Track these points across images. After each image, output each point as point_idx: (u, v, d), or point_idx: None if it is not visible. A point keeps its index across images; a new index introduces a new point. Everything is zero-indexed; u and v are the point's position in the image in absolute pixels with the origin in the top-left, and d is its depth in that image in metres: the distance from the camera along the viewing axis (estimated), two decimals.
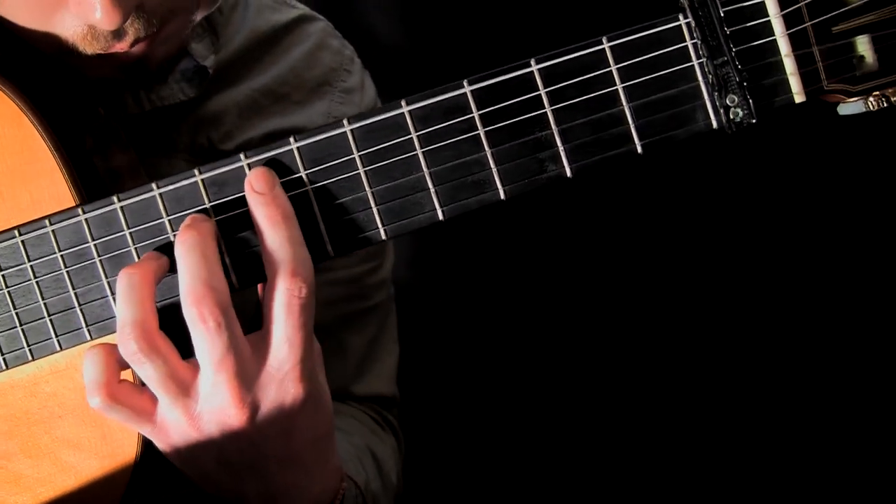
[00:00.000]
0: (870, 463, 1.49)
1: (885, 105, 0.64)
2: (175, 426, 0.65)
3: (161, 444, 0.68)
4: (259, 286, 0.67)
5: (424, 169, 0.65)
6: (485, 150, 0.65)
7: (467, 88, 0.64)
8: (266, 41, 0.95)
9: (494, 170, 0.65)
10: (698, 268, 1.50)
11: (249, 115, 0.92)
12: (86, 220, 0.68)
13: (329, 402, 0.69)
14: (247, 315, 0.67)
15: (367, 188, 0.66)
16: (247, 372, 0.64)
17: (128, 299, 0.63)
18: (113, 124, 0.80)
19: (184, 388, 0.64)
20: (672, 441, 1.54)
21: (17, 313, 0.71)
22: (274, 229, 0.64)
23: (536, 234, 1.50)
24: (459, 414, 1.56)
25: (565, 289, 1.53)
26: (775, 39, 0.63)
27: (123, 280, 0.64)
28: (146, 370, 0.63)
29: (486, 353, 1.56)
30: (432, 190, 0.66)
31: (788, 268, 1.49)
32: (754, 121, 0.63)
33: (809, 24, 0.63)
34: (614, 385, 1.55)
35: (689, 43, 0.63)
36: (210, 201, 0.67)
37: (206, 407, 0.64)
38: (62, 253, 0.69)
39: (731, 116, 0.63)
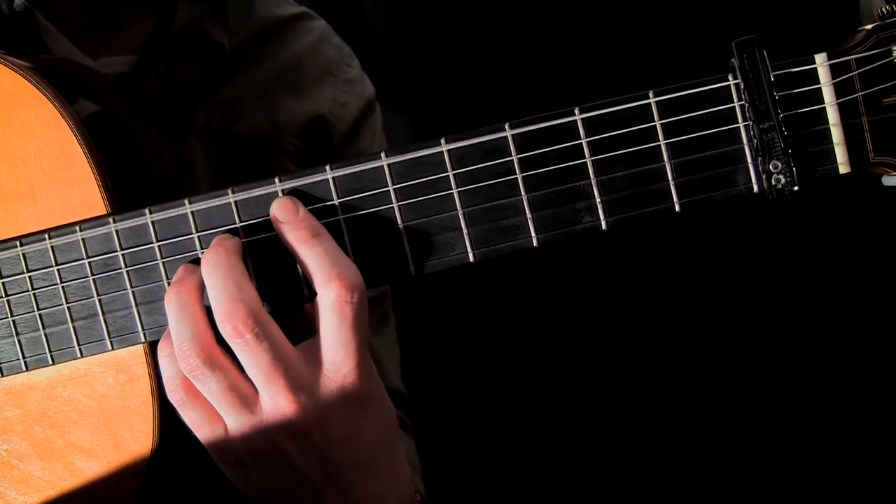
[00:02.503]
0: (870, 463, 1.47)
1: None
2: (242, 442, 0.65)
3: (230, 462, 0.67)
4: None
5: (458, 208, 0.65)
6: (521, 194, 0.64)
7: (508, 132, 0.64)
8: (271, 31, 1.00)
9: (529, 216, 0.64)
10: (697, 273, 1.49)
11: (261, 100, 0.95)
12: (116, 229, 0.68)
13: (390, 402, 0.69)
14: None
15: (399, 223, 0.66)
16: (302, 379, 0.63)
17: (181, 316, 0.63)
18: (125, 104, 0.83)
19: (247, 403, 0.63)
20: (670, 441, 1.53)
21: (40, 315, 0.71)
22: (307, 247, 0.64)
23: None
24: (456, 416, 1.55)
25: (565, 288, 1.52)
26: (824, 108, 0.62)
27: (173, 299, 0.64)
28: (209, 384, 0.63)
29: (484, 355, 1.55)
30: (465, 231, 0.65)
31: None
32: (796, 188, 0.62)
33: (861, 94, 0.62)
34: (614, 384, 1.53)
35: (736, 104, 0.62)
36: (241, 221, 0.67)
37: (270, 419, 0.63)
38: (90, 260, 0.69)
39: (774, 183, 0.62)
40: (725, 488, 1.51)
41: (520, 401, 1.54)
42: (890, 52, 0.62)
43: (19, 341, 0.72)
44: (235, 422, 0.64)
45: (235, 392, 0.63)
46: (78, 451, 0.72)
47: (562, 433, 1.55)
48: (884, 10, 0.63)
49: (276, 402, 0.63)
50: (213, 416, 0.65)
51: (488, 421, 1.55)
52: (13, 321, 0.71)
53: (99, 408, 0.72)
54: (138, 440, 0.71)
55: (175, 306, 0.64)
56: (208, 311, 0.64)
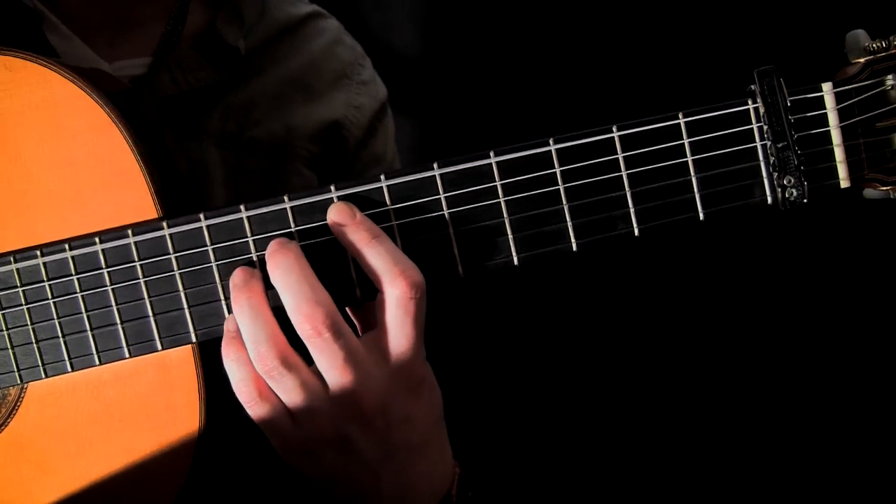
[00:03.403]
0: (870, 463, 1.55)
1: None
2: (311, 433, 0.68)
3: (296, 452, 0.70)
4: None
5: (505, 216, 0.70)
6: (562, 204, 0.70)
7: (552, 146, 0.70)
8: (285, 31, 1.01)
9: (570, 223, 0.70)
10: (702, 281, 1.56)
11: (276, 104, 0.97)
12: (169, 234, 0.71)
13: (438, 386, 0.73)
14: None
15: (449, 228, 0.70)
16: (369, 370, 0.67)
17: (255, 320, 0.67)
18: (149, 106, 0.84)
19: (318, 397, 0.67)
20: (674, 438, 1.59)
21: (88, 316, 0.72)
22: (368, 248, 0.68)
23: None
24: (465, 409, 1.57)
25: (570, 286, 1.56)
26: (829, 130, 0.70)
27: (244, 303, 0.67)
28: (285, 382, 0.67)
29: (493, 351, 1.58)
30: (510, 236, 0.71)
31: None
32: (806, 201, 0.70)
33: (859, 118, 0.71)
34: (620, 384, 1.58)
35: (754, 126, 0.70)
36: (296, 225, 0.71)
37: (339, 410, 0.67)
38: (141, 263, 0.71)
39: (787, 195, 0.70)
40: (728, 489, 1.58)
41: (528, 397, 1.56)
42: (882, 83, 0.71)
43: (65, 342, 0.73)
44: (306, 415, 0.68)
45: (307, 387, 0.67)
46: (122, 451, 0.74)
47: (568, 427, 1.57)
48: (873, 46, 0.72)
49: (345, 394, 0.67)
50: (283, 412, 0.68)
51: (497, 414, 1.57)
52: (59, 323, 0.73)
53: (143, 407, 0.74)
54: (183, 439, 0.73)
55: (248, 311, 0.67)
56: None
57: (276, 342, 0.66)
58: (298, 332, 0.66)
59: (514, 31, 1.49)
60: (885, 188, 0.73)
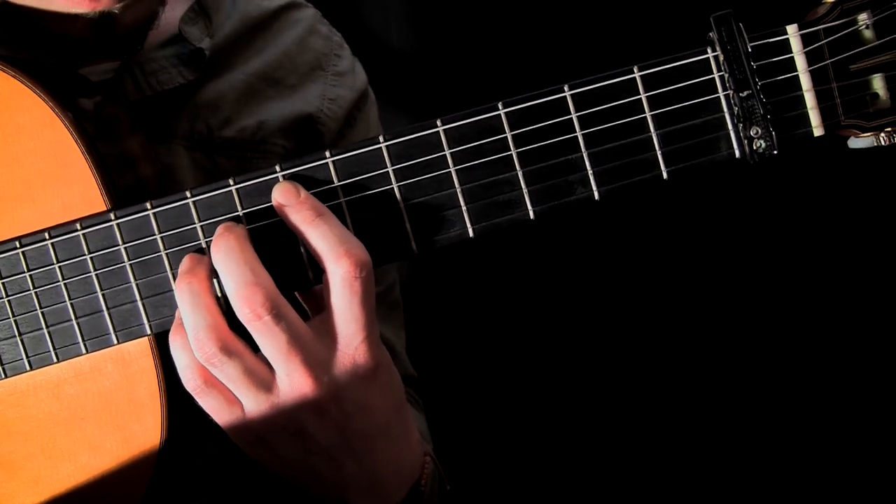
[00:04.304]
0: (870, 463, 1.51)
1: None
2: (262, 422, 0.66)
3: (251, 442, 0.69)
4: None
5: (457, 186, 0.67)
6: (516, 170, 0.67)
7: (501, 110, 0.67)
8: (257, 26, 0.97)
9: (525, 190, 0.67)
10: (702, 270, 1.51)
11: (247, 100, 0.93)
12: (117, 224, 0.69)
13: (395, 369, 0.71)
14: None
15: (400, 203, 0.68)
16: (316, 355, 0.65)
17: (195, 307, 0.65)
18: (118, 109, 0.81)
19: (265, 384, 0.65)
20: (670, 439, 1.56)
21: (43, 313, 0.71)
22: (312, 227, 0.65)
23: (539, 231, 1.49)
24: (460, 398, 1.56)
25: (567, 283, 1.54)
26: (798, 75, 0.66)
27: (185, 289, 0.65)
28: (226, 370, 0.65)
29: (487, 348, 1.56)
30: (464, 207, 0.67)
31: (792, 286, 1.51)
32: (776, 152, 0.66)
33: (830, 61, 0.66)
34: (613, 372, 1.55)
35: (715, 75, 0.66)
36: (243, 208, 0.69)
37: (288, 397, 0.65)
38: (91, 256, 0.70)
39: (755, 147, 0.66)
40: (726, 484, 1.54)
41: (523, 384, 1.55)
42: (854, 22, 0.66)
43: (22, 341, 0.72)
44: (254, 403, 0.66)
45: (252, 375, 0.65)
46: (86, 448, 0.73)
47: (562, 414, 1.56)
48: None
49: (292, 380, 0.65)
50: (232, 401, 0.66)
51: (492, 401, 1.56)
52: (15, 321, 0.72)
53: (106, 403, 0.72)
54: (147, 432, 0.72)
55: (188, 297, 0.65)
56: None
57: (215, 329, 0.64)
58: (239, 317, 0.64)
59: (507, 25, 1.47)
60: (867, 135, 0.68)
